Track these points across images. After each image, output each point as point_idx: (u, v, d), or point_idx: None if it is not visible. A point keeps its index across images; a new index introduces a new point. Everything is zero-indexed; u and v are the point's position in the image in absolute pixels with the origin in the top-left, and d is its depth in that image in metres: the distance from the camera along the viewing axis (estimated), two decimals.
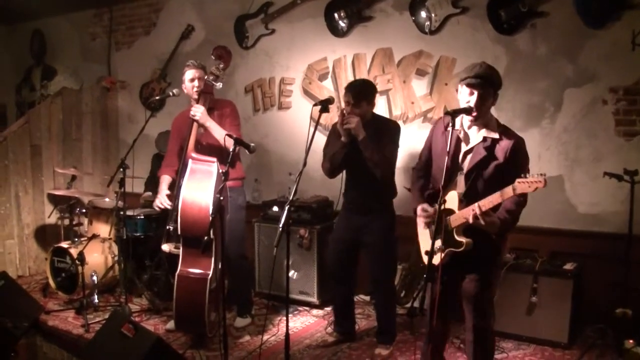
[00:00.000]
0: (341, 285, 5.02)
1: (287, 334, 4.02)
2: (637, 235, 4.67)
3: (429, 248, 3.57)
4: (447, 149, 3.47)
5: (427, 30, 5.79)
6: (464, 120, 3.72)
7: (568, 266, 4.93)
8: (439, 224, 3.47)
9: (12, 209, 7.10)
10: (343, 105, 4.75)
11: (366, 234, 4.76)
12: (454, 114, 3.51)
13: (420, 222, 3.94)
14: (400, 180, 5.54)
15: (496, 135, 3.64)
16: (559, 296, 4.79)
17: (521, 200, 3.55)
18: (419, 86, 5.91)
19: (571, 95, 5.26)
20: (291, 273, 5.85)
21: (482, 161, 3.61)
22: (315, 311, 5.83)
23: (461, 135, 3.72)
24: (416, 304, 5.16)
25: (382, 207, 4.79)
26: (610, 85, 5.09)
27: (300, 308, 5.89)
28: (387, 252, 4.80)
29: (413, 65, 5.92)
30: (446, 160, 3.44)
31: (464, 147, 3.71)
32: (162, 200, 5.11)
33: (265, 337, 5.12)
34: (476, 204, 3.44)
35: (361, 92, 4.64)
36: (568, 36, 5.21)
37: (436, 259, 3.59)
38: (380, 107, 6.09)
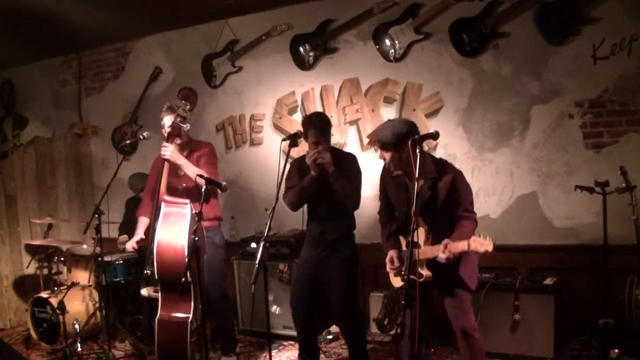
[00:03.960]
0: (304, 320, 4.90)
1: None
2: (612, 245, 4.70)
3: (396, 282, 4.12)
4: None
5: (392, 58, 5.87)
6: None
7: (548, 281, 4.97)
8: (410, 257, 3.63)
9: None
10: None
11: (325, 268, 4.70)
12: (420, 140, 3.56)
13: (389, 268, 4.19)
14: (374, 207, 5.56)
15: (435, 174, 3.87)
16: (542, 312, 4.82)
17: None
18: (388, 114, 5.94)
19: (538, 111, 5.35)
20: (274, 308, 5.82)
21: (430, 200, 3.86)
22: None
23: (406, 180, 3.97)
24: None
25: (340, 241, 4.71)
26: (576, 100, 5.19)
27: (285, 343, 5.85)
28: (346, 286, 4.70)
29: (380, 94, 5.98)
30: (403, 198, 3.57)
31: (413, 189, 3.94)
32: (131, 245, 5.11)
33: None
34: (444, 254, 3.69)
35: (326, 126, 4.61)
36: (531, 54, 5.30)
37: (397, 282, 4.08)
38: (351, 137, 6.15)
